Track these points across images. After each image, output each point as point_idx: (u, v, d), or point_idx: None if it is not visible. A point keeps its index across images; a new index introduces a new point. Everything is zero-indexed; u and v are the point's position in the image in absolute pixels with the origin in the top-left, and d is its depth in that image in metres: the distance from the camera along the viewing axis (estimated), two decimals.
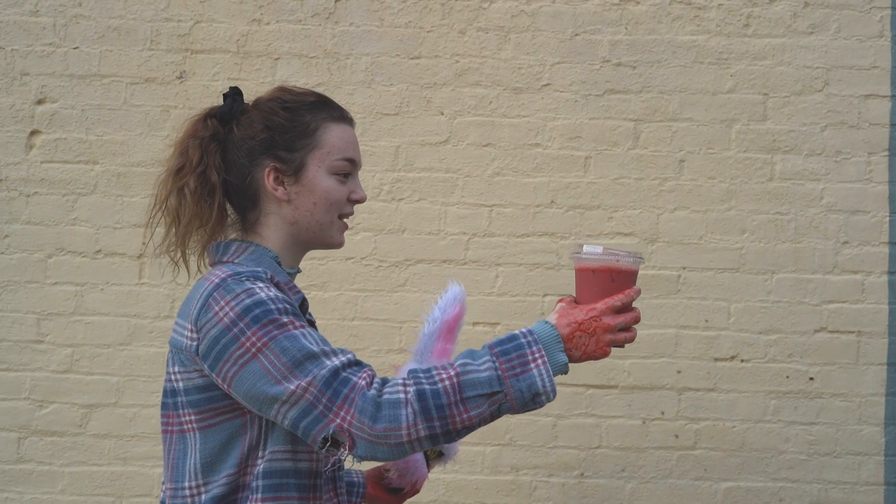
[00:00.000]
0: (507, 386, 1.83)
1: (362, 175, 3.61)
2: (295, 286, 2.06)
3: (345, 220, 2.12)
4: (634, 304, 1.93)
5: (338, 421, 1.83)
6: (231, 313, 1.90)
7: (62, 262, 3.72)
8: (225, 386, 1.93)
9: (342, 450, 1.85)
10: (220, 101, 2.14)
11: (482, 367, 1.84)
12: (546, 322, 1.90)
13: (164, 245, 2.08)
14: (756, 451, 3.68)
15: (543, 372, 1.84)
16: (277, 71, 3.74)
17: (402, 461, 2.27)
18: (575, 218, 3.71)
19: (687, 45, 3.72)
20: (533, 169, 3.73)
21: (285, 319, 1.90)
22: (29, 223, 3.72)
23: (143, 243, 2.15)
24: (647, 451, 3.69)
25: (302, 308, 2.06)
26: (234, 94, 2.11)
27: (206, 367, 1.93)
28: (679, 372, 3.70)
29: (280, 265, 2.07)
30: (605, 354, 1.89)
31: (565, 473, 3.70)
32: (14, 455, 3.70)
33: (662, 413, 3.69)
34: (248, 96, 2.17)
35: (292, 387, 1.85)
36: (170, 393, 2.02)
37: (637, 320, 1.91)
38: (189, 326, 1.95)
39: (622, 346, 1.90)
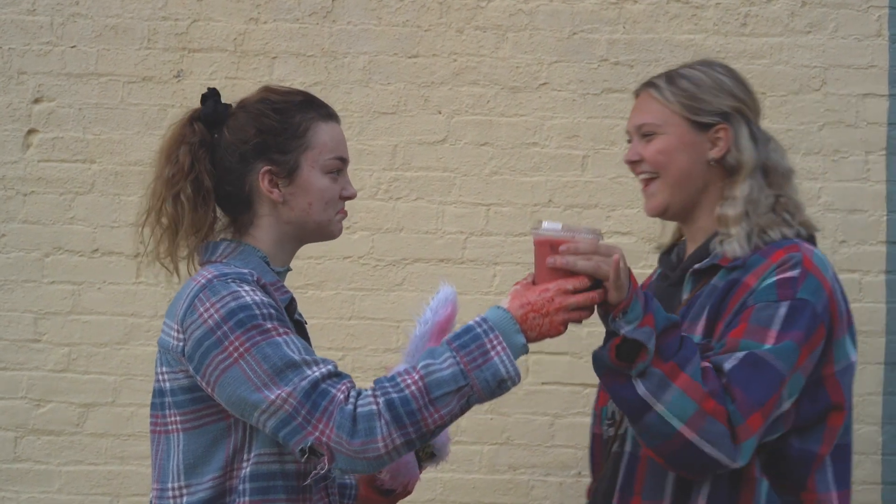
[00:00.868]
0: (471, 378, 1.85)
1: (359, 174, 3.61)
2: (283, 286, 2.06)
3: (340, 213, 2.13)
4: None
5: (316, 434, 1.84)
6: (216, 315, 1.90)
7: (59, 261, 3.72)
8: (208, 389, 1.93)
9: (322, 461, 1.86)
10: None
11: (444, 365, 1.85)
12: (498, 307, 1.91)
13: (156, 252, 2.08)
14: None
15: (504, 358, 1.86)
16: (275, 70, 3.73)
17: (393, 463, 2.27)
18: (573, 217, 3.70)
19: (684, 44, 3.71)
20: (531, 168, 3.73)
21: (269, 325, 1.90)
22: (26, 222, 3.72)
23: (137, 254, 2.13)
24: None
25: (290, 308, 2.06)
26: (214, 96, 2.10)
27: (191, 368, 1.94)
28: None
29: (269, 265, 2.06)
30: (560, 332, 1.92)
31: (562, 472, 3.69)
32: (11, 454, 3.70)
33: None
34: (246, 95, 2.17)
35: (272, 396, 1.85)
36: (158, 393, 2.02)
37: (594, 301, 1.93)
38: (175, 327, 1.96)
39: (580, 323, 1.93)
